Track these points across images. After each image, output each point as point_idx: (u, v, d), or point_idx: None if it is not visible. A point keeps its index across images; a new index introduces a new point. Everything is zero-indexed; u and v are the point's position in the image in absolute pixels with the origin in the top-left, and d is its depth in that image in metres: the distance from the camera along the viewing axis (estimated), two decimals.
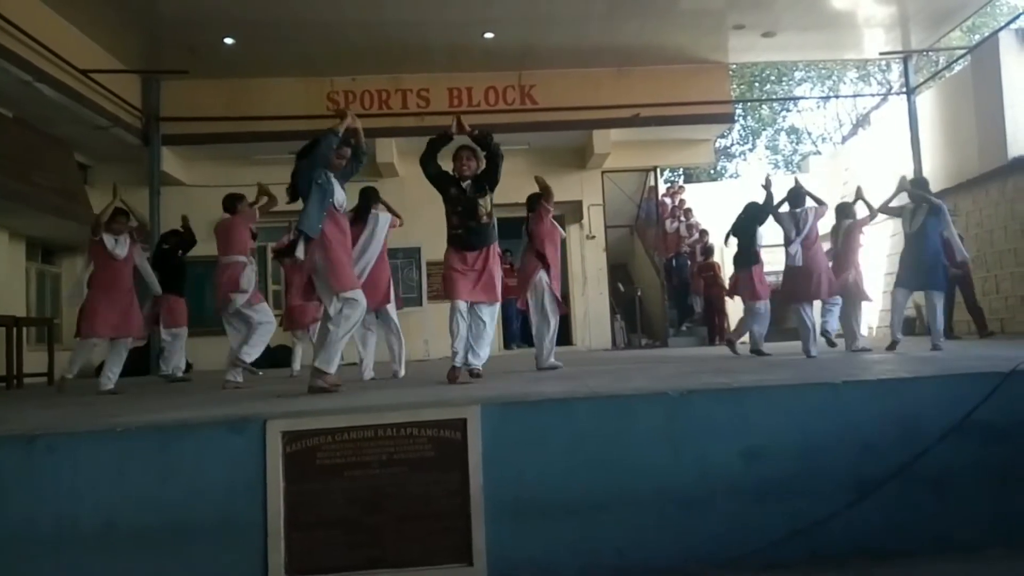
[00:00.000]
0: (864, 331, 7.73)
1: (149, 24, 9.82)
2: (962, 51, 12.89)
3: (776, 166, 26.81)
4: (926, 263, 6.66)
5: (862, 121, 22.65)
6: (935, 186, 11.41)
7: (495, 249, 5.04)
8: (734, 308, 12.75)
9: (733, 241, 7.34)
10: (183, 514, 2.83)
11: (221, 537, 2.83)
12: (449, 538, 2.88)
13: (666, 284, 12.96)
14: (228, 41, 10.35)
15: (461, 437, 2.96)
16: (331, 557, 2.84)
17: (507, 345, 12.58)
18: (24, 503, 2.80)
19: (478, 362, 4.96)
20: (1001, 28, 10.60)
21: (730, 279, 7.99)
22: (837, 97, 24.31)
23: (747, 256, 7.16)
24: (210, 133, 11.29)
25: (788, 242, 6.68)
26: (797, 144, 26.83)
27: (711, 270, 12.71)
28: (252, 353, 6.03)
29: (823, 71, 23.63)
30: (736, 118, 17.75)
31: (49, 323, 9.40)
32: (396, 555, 2.86)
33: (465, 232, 4.92)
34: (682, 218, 14.20)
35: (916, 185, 7.09)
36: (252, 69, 11.16)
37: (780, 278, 7.19)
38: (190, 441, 2.92)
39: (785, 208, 6.90)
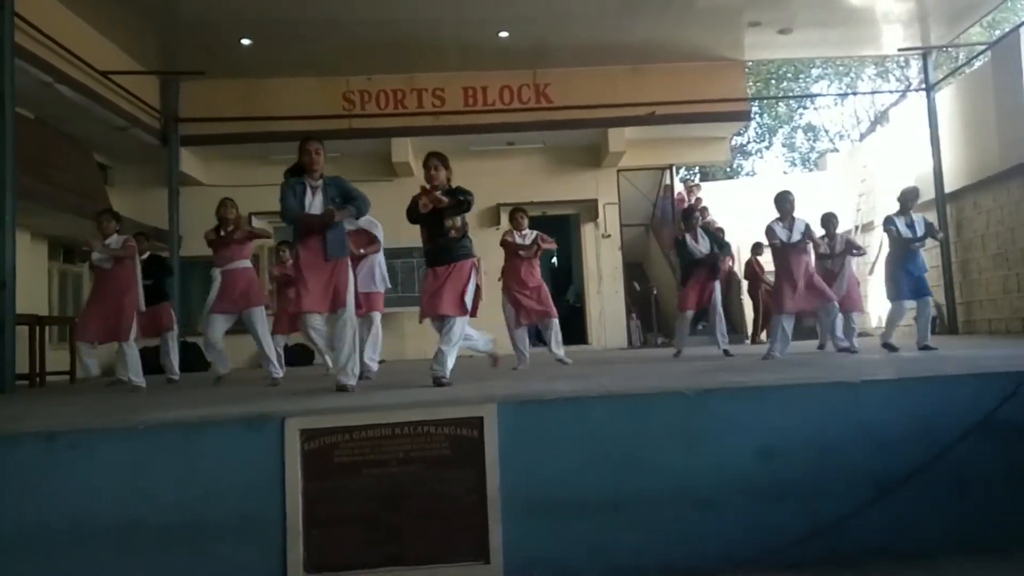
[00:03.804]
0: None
1: (167, 26, 9.92)
2: (982, 47, 12.73)
3: (793, 164, 26.65)
4: (920, 273, 6.73)
5: (880, 118, 22.43)
6: (956, 183, 11.35)
7: (470, 264, 4.70)
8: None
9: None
10: (202, 511, 2.85)
11: (240, 534, 2.85)
12: (466, 536, 2.89)
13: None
14: (245, 42, 10.43)
15: (478, 435, 2.97)
16: (349, 554, 2.86)
17: None
18: (44, 500, 2.83)
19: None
20: (1022, 23, 10.46)
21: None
22: (855, 94, 24.11)
23: None
24: (228, 133, 11.39)
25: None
26: (814, 142, 26.62)
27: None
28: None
29: (840, 68, 23.40)
30: (752, 116, 17.61)
31: (71, 322, 9.51)
32: (414, 552, 2.87)
33: (433, 248, 4.74)
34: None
35: (911, 196, 6.96)
36: (269, 69, 11.24)
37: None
38: (209, 439, 2.95)
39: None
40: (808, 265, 6.62)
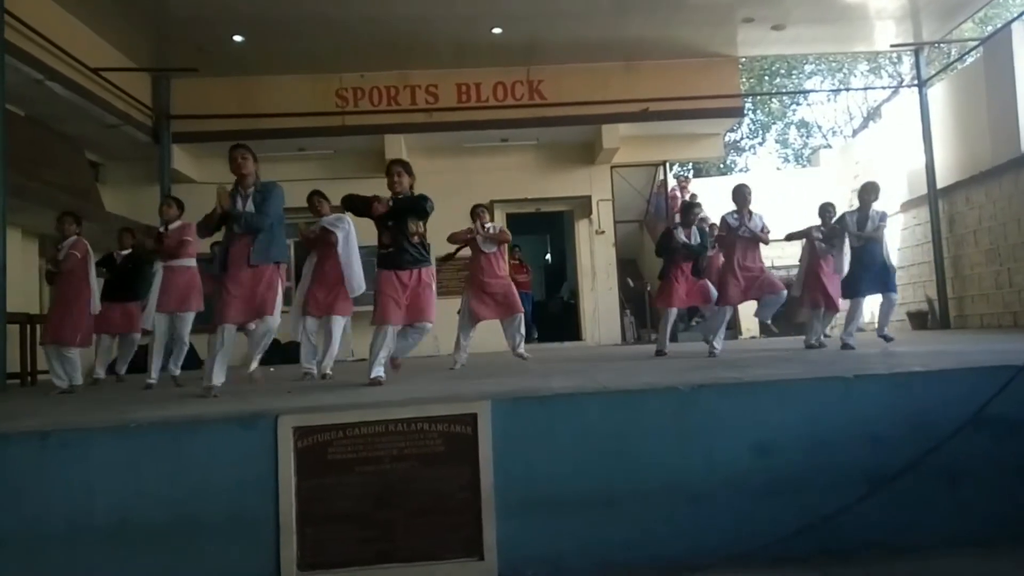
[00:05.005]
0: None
1: (159, 22, 9.86)
2: (974, 43, 12.77)
3: (786, 160, 26.69)
4: (881, 269, 6.69)
5: (873, 114, 22.48)
6: (948, 178, 11.39)
7: (431, 272, 4.85)
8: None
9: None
10: (195, 509, 2.85)
11: (233, 532, 2.85)
12: (460, 533, 2.89)
13: None
14: (237, 39, 10.38)
15: (471, 432, 2.97)
16: (342, 552, 2.86)
17: None
18: (38, 499, 2.83)
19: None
20: (1014, 19, 10.49)
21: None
22: (848, 90, 24.11)
23: None
24: (220, 130, 11.30)
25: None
26: (807, 138, 26.63)
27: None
28: None
29: (833, 64, 23.43)
30: (745, 112, 17.65)
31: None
32: (407, 550, 2.87)
33: (397, 251, 4.71)
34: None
35: (869, 191, 6.92)
36: (261, 66, 11.18)
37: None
38: (202, 437, 2.94)
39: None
40: (758, 257, 6.67)
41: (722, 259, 7.35)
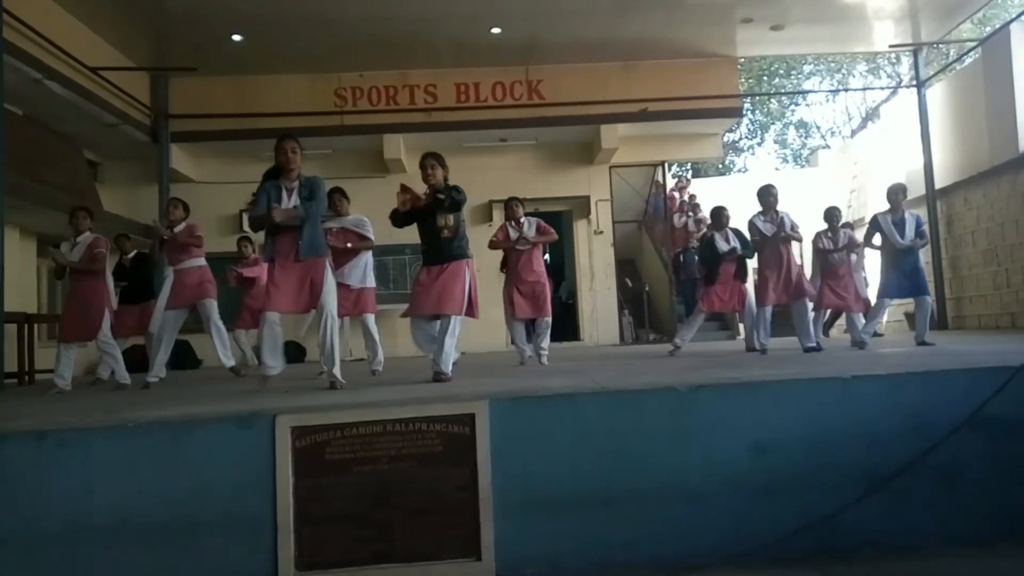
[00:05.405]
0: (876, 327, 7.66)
1: (157, 21, 9.86)
2: (973, 43, 12.78)
3: (784, 160, 26.71)
4: (915, 271, 6.69)
5: (872, 114, 22.50)
6: (946, 179, 11.40)
7: (464, 265, 4.71)
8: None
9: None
10: (193, 509, 2.85)
11: (231, 532, 2.85)
12: (457, 533, 2.89)
13: (674, 279, 12.93)
14: (236, 38, 10.37)
15: (469, 432, 2.97)
16: (340, 551, 2.86)
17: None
18: (35, 498, 2.82)
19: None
20: (1012, 20, 10.50)
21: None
22: (846, 90, 24.16)
23: None
24: (218, 130, 11.33)
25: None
26: (806, 138, 26.65)
27: None
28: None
29: (832, 64, 23.45)
30: (744, 112, 17.64)
31: (60, 320, 9.43)
32: (405, 550, 2.87)
33: (429, 248, 4.75)
34: (690, 213, 14.14)
35: (898, 192, 6.89)
36: (260, 66, 11.18)
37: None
38: (200, 436, 2.94)
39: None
40: (791, 258, 6.61)
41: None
